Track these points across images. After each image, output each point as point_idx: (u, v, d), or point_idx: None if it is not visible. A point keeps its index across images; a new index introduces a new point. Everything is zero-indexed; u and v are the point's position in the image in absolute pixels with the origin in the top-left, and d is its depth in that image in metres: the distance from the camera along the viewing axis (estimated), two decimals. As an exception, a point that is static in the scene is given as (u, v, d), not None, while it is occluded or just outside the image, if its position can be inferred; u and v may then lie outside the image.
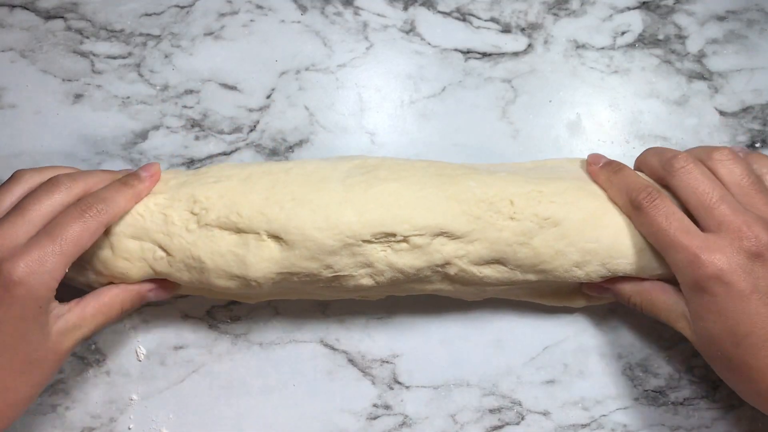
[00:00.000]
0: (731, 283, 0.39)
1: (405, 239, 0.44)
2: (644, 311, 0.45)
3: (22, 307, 0.39)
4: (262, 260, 0.44)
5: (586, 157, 0.53)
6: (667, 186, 0.45)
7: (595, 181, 0.47)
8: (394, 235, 0.44)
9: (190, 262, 0.45)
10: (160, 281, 0.46)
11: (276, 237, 0.44)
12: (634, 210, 0.43)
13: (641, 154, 0.48)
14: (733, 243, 0.40)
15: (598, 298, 0.49)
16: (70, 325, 0.42)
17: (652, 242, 0.43)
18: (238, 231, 0.45)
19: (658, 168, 0.45)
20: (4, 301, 0.39)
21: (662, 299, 0.44)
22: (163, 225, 0.45)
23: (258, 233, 0.44)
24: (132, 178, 0.45)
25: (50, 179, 0.43)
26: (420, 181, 0.46)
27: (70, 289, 0.52)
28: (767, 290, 0.39)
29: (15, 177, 0.44)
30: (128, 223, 0.45)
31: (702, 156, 0.44)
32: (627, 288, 0.46)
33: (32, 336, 0.40)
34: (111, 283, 0.47)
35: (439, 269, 0.45)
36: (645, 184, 0.44)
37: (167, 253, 0.45)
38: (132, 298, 0.46)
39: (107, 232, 0.45)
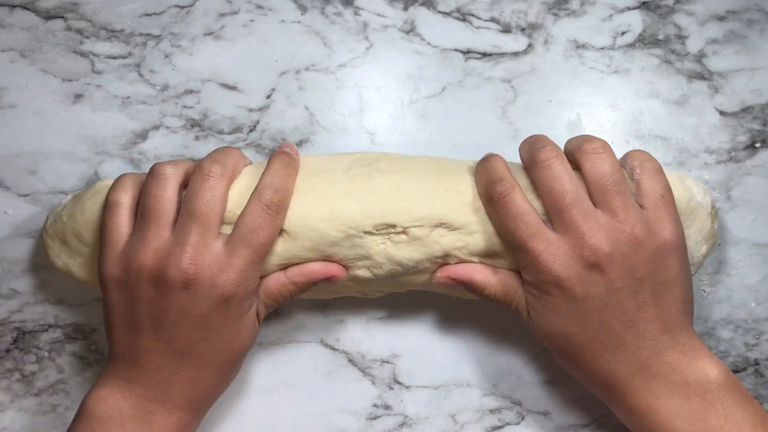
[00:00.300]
0: (567, 288, 0.41)
1: (404, 231, 0.44)
2: (496, 302, 0.45)
3: (238, 311, 0.43)
4: None
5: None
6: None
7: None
8: (394, 226, 0.44)
9: None
10: (329, 265, 0.46)
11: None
12: (487, 202, 0.44)
13: (522, 142, 0.47)
14: (574, 250, 0.41)
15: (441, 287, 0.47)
16: (260, 311, 0.45)
17: (500, 237, 0.44)
18: None
19: (526, 159, 0.45)
20: (222, 310, 0.42)
21: (513, 290, 0.45)
22: None
23: None
24: (289, 157, 0.46)
25: (202, 170, 0.43)
26: (420, 174, 0.46)
27: (75, 289, 0.52)
28: (599, 296, 0.41)
29: (161, 175, 0.43)
30: None
31: (573, 146, 0.44)
32: (481, 278, 0.45)
33: (245, 332, 0.44)
34: None
35: (439, 261, 0.45)
36: (500, 176, 0.43)
37: None
38: (300, 286, 0.46)
39: None
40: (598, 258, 0.40)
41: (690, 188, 0.48)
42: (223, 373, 0.45)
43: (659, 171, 0.44)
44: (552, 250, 0.41)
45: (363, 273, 0.46)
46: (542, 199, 0.43)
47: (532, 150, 0.44)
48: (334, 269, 0.45)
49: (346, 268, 0.46)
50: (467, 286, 0.45)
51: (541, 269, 0.41)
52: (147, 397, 0.43)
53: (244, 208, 0.43)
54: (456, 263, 0.45)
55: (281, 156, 0.45)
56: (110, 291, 0.43)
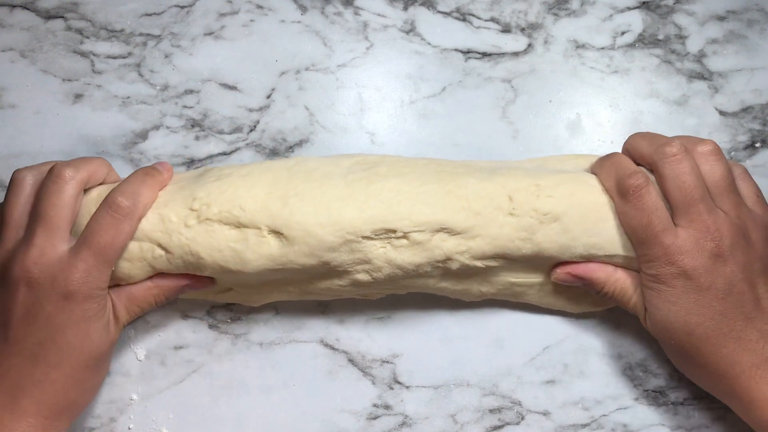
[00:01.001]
0: (692, 278, 0.42)
1: (405, 235, 0.44)
2: (612, 299, 0.46)
3: (83, 311, 0.43)
4: (260, 257, 0.44)
5: (588, 153, 0.53)
6: (653, 171, 0.45)
7: (593, 171, 0.47)
8: (394, 231, 0.44)
9: (189, 258, 0.45)
10: (197, 276, 0.47)
11: (277, 233, 0.44)
12: (619, 195, 0.44)
13: (630, 138, 0.48)
14: (699, 242, 0.42)
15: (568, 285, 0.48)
16: (119, 316, 0.46)
17: (628, 230, 0.44)
18: (239, 226, 0.45)
19: (648, 153, 0.45)
20: (65, 309, 0.42)
21: (632, 288, 0.46)
22: (159, 224, 0.45)
23: (259, 228, 0.44)
24: (153, 168, 0.47)
25: (52, 172, 0.44)
26: (420, 177, 0.46)
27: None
28: (722, 287, 0.42)
29: (16, 181, 0.45)
30: None
31: (688, 146, 0.45)
32: (601, 276, 0.46)
33: (94, 334, 0.44)
34: (117, 285, 0.47)
35: (440, 265, 0.45)
36: (635, 169, 0.44)
37: (166, 250, 0.45)
38: (166, 292, 0.47)
39: None
40: (722, 250, 0.42)
41: None
42: (77, 378, 0.44)
43: (747, 172, 0.47)
44: (679, 243, 0.42)
45: (362, 277, 0.46)
46: (669, 192, 0.44)
47: (655, 144, 0.45)
48: (201, 278, 0.47)
49: (345, 272, 0.46)
50: (586, 283, 0.46)
51: (670, 261, 0.42)
52: None
53: (95, 212, 0.44)
54: (576, 262, 0.46)
55: (144, 167, 0.47)
56: None
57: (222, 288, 0.49)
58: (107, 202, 0.44)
